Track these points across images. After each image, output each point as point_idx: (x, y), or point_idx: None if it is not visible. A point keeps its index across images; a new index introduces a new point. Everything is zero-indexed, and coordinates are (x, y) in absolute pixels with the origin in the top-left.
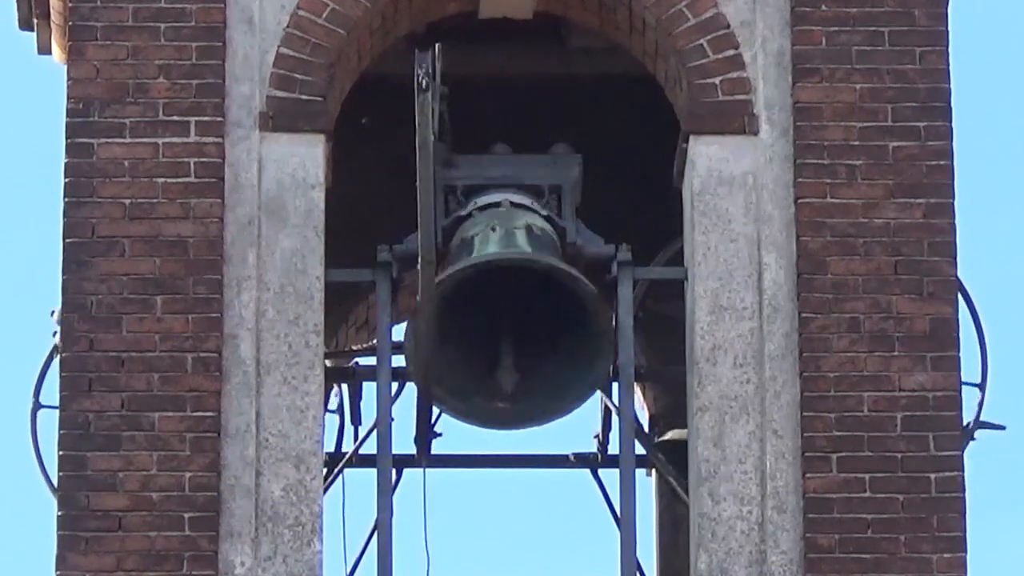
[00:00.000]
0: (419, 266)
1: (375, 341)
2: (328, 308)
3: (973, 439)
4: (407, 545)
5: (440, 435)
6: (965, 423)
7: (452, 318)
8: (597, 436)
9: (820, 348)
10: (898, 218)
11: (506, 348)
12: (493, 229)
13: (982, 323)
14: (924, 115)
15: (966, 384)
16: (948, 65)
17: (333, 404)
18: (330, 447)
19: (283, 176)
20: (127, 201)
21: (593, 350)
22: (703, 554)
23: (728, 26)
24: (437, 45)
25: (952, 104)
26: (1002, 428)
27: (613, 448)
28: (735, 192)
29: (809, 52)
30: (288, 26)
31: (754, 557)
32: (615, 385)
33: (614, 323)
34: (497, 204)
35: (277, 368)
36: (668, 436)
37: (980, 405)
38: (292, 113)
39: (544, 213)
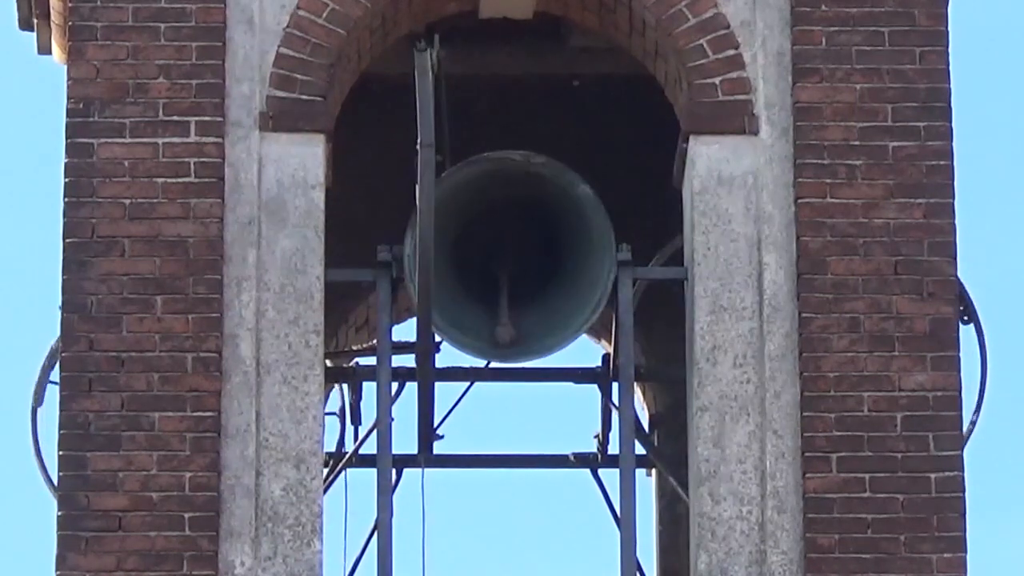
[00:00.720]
0: (416, 258)
1: (375, 341)
2: (328, 308)
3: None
4: (407, 545)
5: (442, 437)
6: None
7: (451, 242)
8: (597, 436)
9: (820, 348)
10: (898, 218)
11: (503, 300)
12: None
13: (982, 323)
14: (924, 115)
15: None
16: (948, 65)
17: (334, 405)
18: (330, 447)
19: (283, 176)
20: (127, 201)
21: (593, 272)
22: (703, 554)
23: (728, 26)
24: (436, 36)
25: (952, 104)
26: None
27: (613, 448)
28: (735, 192)
29: (809, 52)
30: (288, 26)
31: (754, 557)
32: (615, 385)
33: (614, 325)
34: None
35: (277, 368)
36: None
37: (978, 408)
38: (292, 113)
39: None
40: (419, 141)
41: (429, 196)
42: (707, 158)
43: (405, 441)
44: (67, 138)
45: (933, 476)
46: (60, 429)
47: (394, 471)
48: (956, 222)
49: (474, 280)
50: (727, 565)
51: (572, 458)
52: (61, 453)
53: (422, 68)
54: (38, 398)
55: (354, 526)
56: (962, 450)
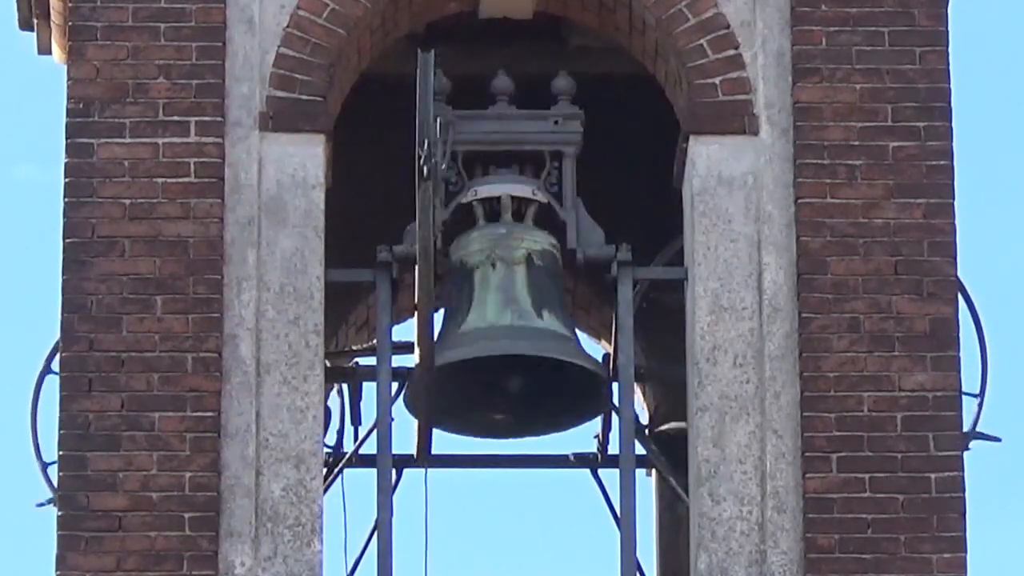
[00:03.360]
0: (416, 259)
1: (375, 341)
2: (328, 308)
3: (968, 449)
4: (407, 545)
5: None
6: (964, 430)
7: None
8: (597, 436)
9: (820, 348)
10: (898, 218)
11: (503, 405)
12: (493, 266)
13: (982, 323)
14: (924, 115)
15: (966, 394)
16: (948, 65)
17: (334, 405)
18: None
19: (283, 176)
20: (127, 201)
21: (591, 395)
22: (703, 554)
23: (728, 26)
24: (443, 122)
25: (952, 104)
26: (998, 440)
27: (613, 448)
28: (735, 192)
29: (809, 52)
30: (288, 26)
31: (754, 557)
32: (615, 385)
33: (614, 325)
34: (497, 199)
35: (277, 368)
36: (666, 427)
37: (977, 415)
38: (292, 113)
39: (548, 241)
40: (417, 142)
41: (429, 196)
42: (707, 158)
43: (405, 441)
44: (67, 138)
45: (933, 476)
46: (60, 429)
47: (394, 471)
48: (956, 222)
49: (473, 395)
50: (727, 565)
51: (572, 458)
52: (61, 453)
53: (423, 70)
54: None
55: (354, 526)
56: (962, 451)
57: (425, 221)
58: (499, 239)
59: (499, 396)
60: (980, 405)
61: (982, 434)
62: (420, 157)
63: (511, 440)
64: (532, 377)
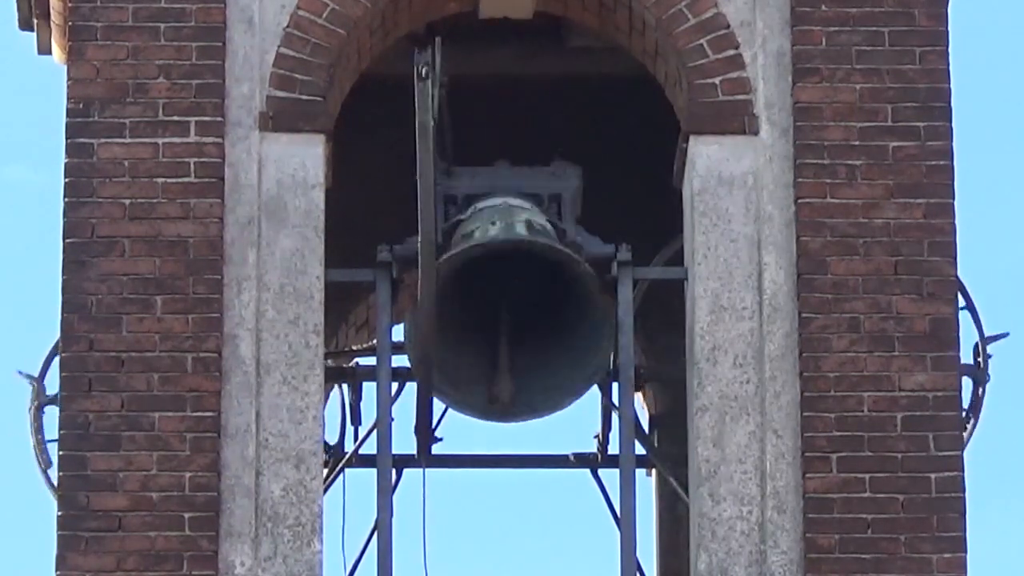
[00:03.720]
0: (419, 255)
1: (375, 341)
2: (328, 308)
3: (990, 356)
4: (407, 545)
5: (440, 440)
6: (973, 343)
7: (452, 309)
8: (597, 436)
9: (820, 348)
10: (898, 218)
11: (503, 355)
12: (493, 223)
13: (982, 323)
14: (924, 115)
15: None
16: (948, 65)
17: (335, 405)
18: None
19: (283, 176)
20: (127, 201)
21: (592, 340)
22: (703, 554)
23: (728, 26)
24: (437, 39)
25: (952, 104)
26: (1006, 335)
27: (613, 448)
28: (735, 192)
29: (809, 52)
30: (288, 26)
31: (754, 557)
32: (615, 385)
33: (614, 322)
34: (496, 205)
35: (277, 368)
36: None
37: (980, 331)
38: (292, 113)
39: (544, 219)
40: (417, 141)
41: (429, 189)
42: (707, 158)
43: (405, 441)
44: (67, 138)
45: (933, 476)
46: (60, 429)
47: (394, 471)
48: (956, 222)
49: (473, 335)
50: (727, 565)
51: (572, 458)
52: (61, 453)
53: (423, 71)
54: (44, 457)
55: (354, 526)
56: (962, 449)
57: (425, 116)
58: (500, 209)
59: (497, 385)
60: (981, 403)
61: (992, 336)
62: (418, 63)
63: (511, 440)
64: (532, 287)
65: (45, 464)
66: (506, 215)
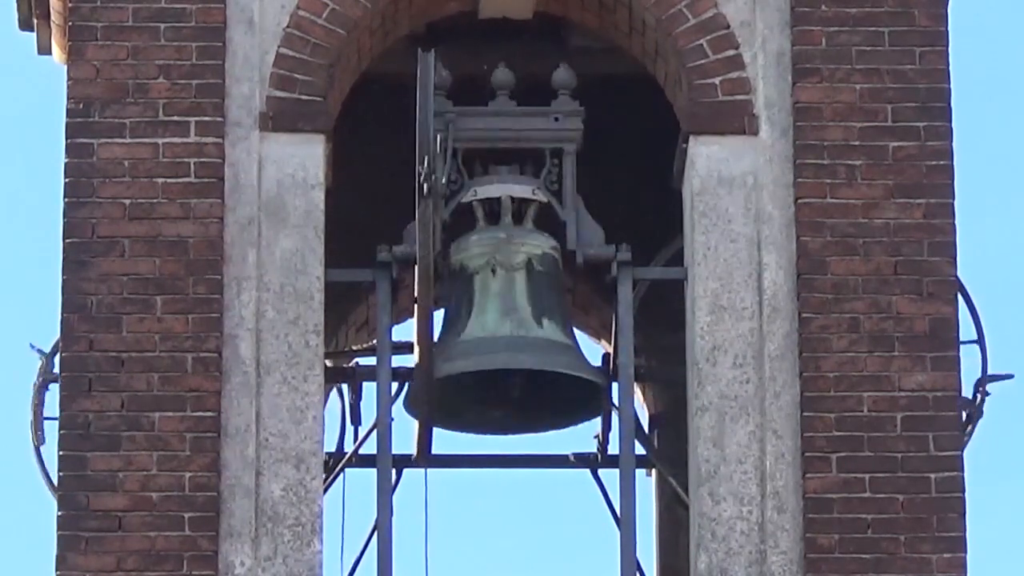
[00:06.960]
0: (415, 282)
1: (375, 341)
2: (328, 308)
3: (988, 394)
4: (407, 545)
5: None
6: (977, 378)
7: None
8: (597, 436)
9: (820, 348)
10: (898, 218)
11: (504, 404)
12: (493, 271)
13: (982, 323)
14: (924, 115)
15: (964, 343)
16: (948, 65)
17: (335, 405)
18: (330, 447)
19: (283, 176)
20: (127, 201)
21: (591, 404)
22: (703, 554)
23: (728, 26)
24: (442, 137)
25: (952, 104)
26: (1010, 377)
27: (613, 448)
28: (735, 192)
29: (809, 52)
30: (288, 26)
31: (754, 557)
32: (615, 385)
33: (614, 325)
34: (497, 199)
35: (277, 368)
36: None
37: (984, 362)
38: (292, 113)
39: (549, 244)
40: (418, 159)
41: (429, 213)
42: (707, 158)
43: (405, 441)
44: (67, 138)
45: (933, 476)
46: (60, 429)
47: (394, 471)
48: (956, 222)
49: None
50: (727, 565)
51: (572, 458)
52: (61, 453)
53: (423, 75)
54: (38, 435)
55: (354, 526)
56: (962, 450)
57: (425, 241)
58: (499, 244)
59: (499, 398)
60: (981, 403)
61: (995, 376)
62: (420, 174)
63: (511, 440)
64: (532, 383)
65: (39, 441)
66: (505, 253)
